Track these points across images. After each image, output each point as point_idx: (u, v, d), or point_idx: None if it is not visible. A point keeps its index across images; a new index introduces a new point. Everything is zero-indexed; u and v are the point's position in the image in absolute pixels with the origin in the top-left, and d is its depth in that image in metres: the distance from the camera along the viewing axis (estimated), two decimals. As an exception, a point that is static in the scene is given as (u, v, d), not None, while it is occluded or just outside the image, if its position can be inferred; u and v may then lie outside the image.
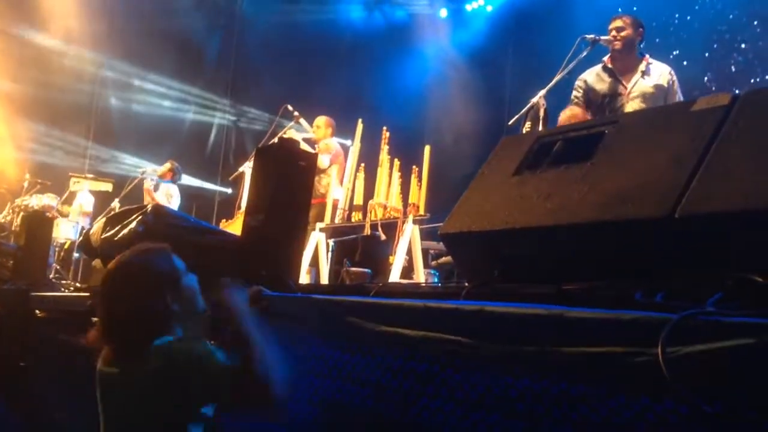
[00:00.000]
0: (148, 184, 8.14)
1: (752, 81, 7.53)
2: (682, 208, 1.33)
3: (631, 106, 4.22)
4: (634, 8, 7.56)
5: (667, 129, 1.57)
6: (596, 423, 1.03)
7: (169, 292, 1.76)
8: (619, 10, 4.65)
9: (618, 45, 4.23)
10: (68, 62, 9.87)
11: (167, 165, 8.46)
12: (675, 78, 4.30)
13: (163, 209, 2.93)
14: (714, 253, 1.30)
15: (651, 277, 1.34)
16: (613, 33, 4.25)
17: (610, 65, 4.35)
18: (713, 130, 1.44)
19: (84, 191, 8.85)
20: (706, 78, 7.85)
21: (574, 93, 4.50)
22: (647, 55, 4.34)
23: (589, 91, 4.41)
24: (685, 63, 7.76)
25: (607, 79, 4.34)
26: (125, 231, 2.68)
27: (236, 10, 11.40)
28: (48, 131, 9.75)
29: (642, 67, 4.27)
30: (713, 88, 7.78)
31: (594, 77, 4.40)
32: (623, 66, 4.31)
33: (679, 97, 4.30)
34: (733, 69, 7.71)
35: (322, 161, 6.11)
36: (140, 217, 2.68)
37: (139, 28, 9.97)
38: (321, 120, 6.77)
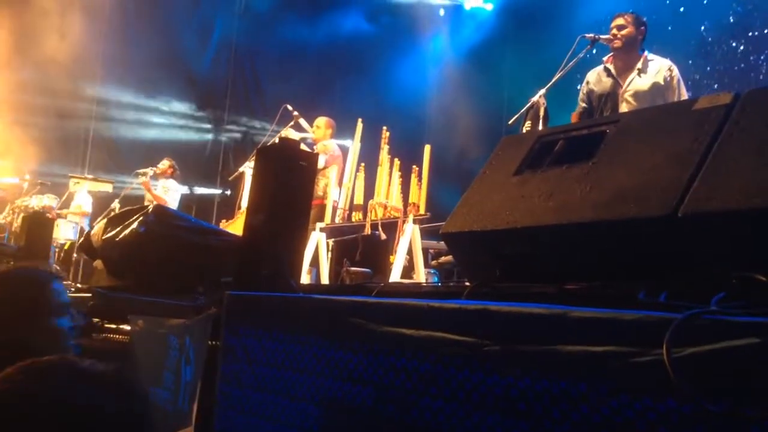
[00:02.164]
0: (145, 179, 8.16)
1: (750, 34, 7.41)
2: (685, 207, 1.33)
3: (625, 106, 4.20)
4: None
5: (669, 128, 1.57)
6: (597, 423, 1.03)
7: None
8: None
9: (618, 44, 4.22)
10: (65, 86, 9.87)
11: (166, 162, 8.48)
12: (676, 73, 4.23)
13: (165, 210, 2.93)
14: (717, 252, 1.30)
15: (654, 276, 1.34)
16: (614, 31, 4.24)
17: (609, 65, 4.34)
18: (715, 129, 1.44)
19: (83, 192, 8.86)
20: (702, 27, 7.72)
21: (580, 95, 4.50)
22: (646, 52, 4.31)
23: (590, 92, 4.40)
24: (681, 9, 7.64)
25: (605, 79, 4.33)
26: (126, 232, 2.68)
27: (234, 13, 11.38)
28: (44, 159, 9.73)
29: (639, 64, 4.24)
30: (709, 39, 7.66)
31: (595, 78, 4.39)
32: (623, 65, 4.29)
33: (681, 91, 4.24)
34: (731, 19, 7.58)
35: (318, 161, 6.10)
36: (141, 218, 2.68)
37: (135, 46, 10.00)
38: (321, 120, 6.76)
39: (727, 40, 7.54)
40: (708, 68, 7.61)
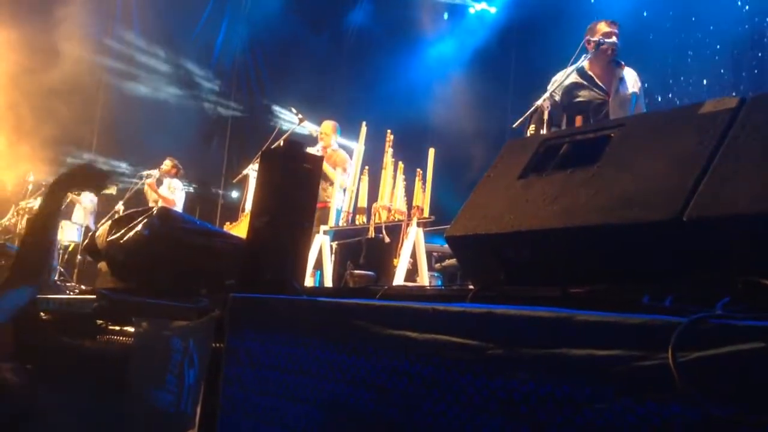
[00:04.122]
0: (150, 180, 8.15)
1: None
2: (690, 211, 1.33)
3: (614, 113, 4.20)
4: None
5: (674, 132, 1.57)
6: (601, 427, 1.03)
7: None
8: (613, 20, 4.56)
9: (614, 49, 4.24)
10: (71, 66, 9.90)
11: (168, 162, 8.47)
12: (640, 84, 4.37)
13: (169, 212, 2.93)
14: (722, 256, 1.30)
15: (659, 280, 1.34)
16: (614, 38, 4.24)
17: (589, 72, 4.31)
18: (721, 133, 1.44)
19: (89, 193, 8.86)
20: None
21: (552, 91, 4.24)
22: (623, 62, 4.33)
23: (564, 94, 4.30)
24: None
25: (587, 85, 4.29)
26: (131, 234, 2.69)
27: (240, 15, 11.41)
28: (51, 138, 9.74)
29: (619, 74, 4.28)
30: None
31: (577, 81, 4.33)
32: (602, 72, 4.29)
33: (642, 102, 4.32)
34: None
35: (336, 175, 5.94)
36: (146, 220, 2.68)
37: (139, 49, 10.01)
38: (328, 127, 6.71)
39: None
40: (711, 27, 7.54)
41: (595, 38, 4.20)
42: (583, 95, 4.29)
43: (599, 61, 4.27)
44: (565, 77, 4.25)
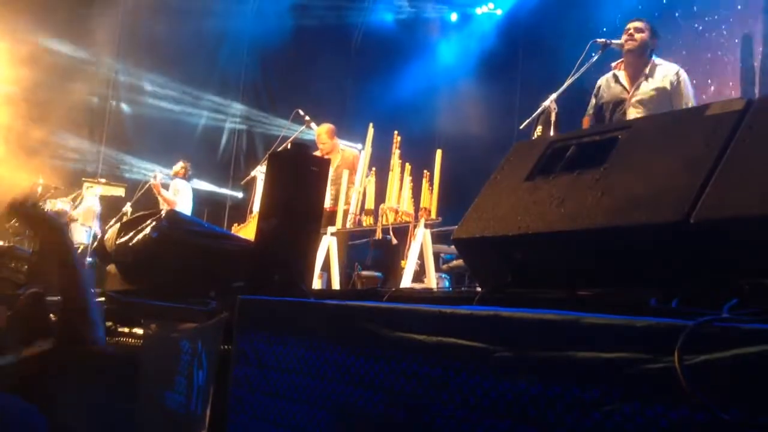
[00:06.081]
0: (156, 182, 8.18)
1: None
2: (697, 213, 1.33)
3: (632, 112, 4.17)
4: (639, 7, 7.48)
5: (681, 134, 1.57)
6: (609, 429, 1.03)
7: None
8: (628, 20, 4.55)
9: (632, 44, 4.16)
10: (82, 66, 9.95)
11: (180, 164, 8.52)
12: (682, 78, 4.18)
13: (177, 215, 2.95)
14: (729, 258, 1.29)
15: (666, 282, 1.34)
16: (631, 31, 4.20)
17: (618, 71, 4.32)
18: (728, 135, 1.44)
19: (93, 196, 8.89)
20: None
21: (591, 101, 4.46)
22: (654, 57, 4.28)
23: (600, 99, 4.39)
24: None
25: (614, 85, 4.31)
26: (139, 236, 2.71)
27: (247, 13, 11.43)
28: (61, 136, 9.79)
29: (646, 70, 4.22)
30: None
31: (605, 84, 4.38)
32: (632, 71, 4.27)
33: (687, 95, 4.21)
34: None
35: (353, 174, 5.74)
36: (154, 223, 2.70)
37: (152, 32, 10.05)
38: (324, 135, 6.59)
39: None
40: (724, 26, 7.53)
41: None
42: (608, 94, 4.32)
43: (625, 56, 4.28)
44: (603, 80, 4.36)
